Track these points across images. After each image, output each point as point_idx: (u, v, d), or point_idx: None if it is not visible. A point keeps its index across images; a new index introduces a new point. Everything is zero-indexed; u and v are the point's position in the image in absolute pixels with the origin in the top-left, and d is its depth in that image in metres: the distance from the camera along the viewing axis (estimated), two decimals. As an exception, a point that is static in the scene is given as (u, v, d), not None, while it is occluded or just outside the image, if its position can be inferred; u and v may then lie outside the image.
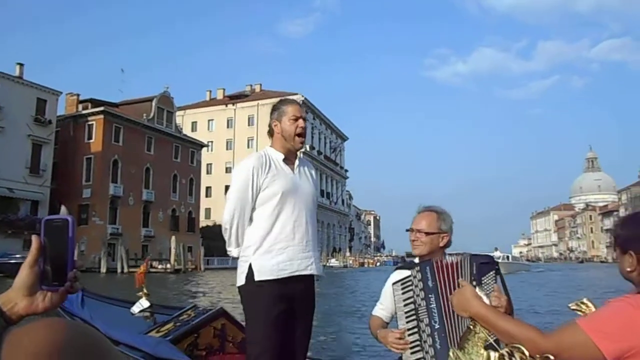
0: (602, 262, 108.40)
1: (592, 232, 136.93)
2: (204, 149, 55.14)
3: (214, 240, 42.29)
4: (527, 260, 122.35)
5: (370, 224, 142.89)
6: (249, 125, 71.46)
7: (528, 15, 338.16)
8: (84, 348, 0.65)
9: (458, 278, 1.94)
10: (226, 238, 2.63)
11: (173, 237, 38.24)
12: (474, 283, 1.88)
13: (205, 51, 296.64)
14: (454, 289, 1.88)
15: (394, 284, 2.21)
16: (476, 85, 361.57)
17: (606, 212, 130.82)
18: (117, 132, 41.72)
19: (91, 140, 40.68)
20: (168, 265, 31.20)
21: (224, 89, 77.82)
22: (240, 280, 2.51)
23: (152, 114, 45.17)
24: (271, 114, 2.70)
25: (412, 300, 2.09)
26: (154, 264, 38.64)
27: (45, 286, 0.87)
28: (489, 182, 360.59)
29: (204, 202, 55.36)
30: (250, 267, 2.49)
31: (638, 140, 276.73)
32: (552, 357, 1.39)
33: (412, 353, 2.04)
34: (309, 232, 2.60)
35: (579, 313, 1.46)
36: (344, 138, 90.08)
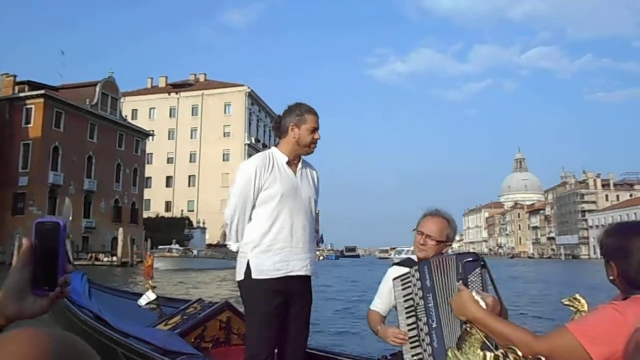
0: (529, 257, 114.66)
1: (519, 229, 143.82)
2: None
3: (156, 232, 41.28)
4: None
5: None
6: (192, 115, 69.90)
7: (464, 19, 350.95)
8: (67, 359, 0.63)
9: (446, 277, 2.03)
10: (227, 232, 2.75)
11: (120, 229, 36.93)
12: (461, 282, 1.97)
13: (145, 37, 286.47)
14: (445, 287, 2.02)
15: (394, 279, 2.29)
16: (414, 84, 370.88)
17: (533, 211, 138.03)
18: (58, 118, 39.56)
19: (29, 125, 38.38)
20: (114, 258, 30.28)
21: (166, 77, 75.87)
22: (239, 275, 2.65)
23: (95, 100, 43.15)
24: (288, 114, 2.75)
25: (411, 297, 2.16)
26: (100, 256, 37.34)
27: (35, 290, 0.84)
28: (425, 178, 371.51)
29: (145, 193, 53.66)
30: (248, 264, 2.61)
31: (561, 143, 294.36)
32: (543, 359, 1.51)
33: (411, 348, 2.12)
34: (305, 235, 2.71)
35: (571, 308, 1.60)
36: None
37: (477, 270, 2.02)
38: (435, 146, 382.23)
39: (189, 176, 68.28)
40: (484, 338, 1.75)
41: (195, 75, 76.52)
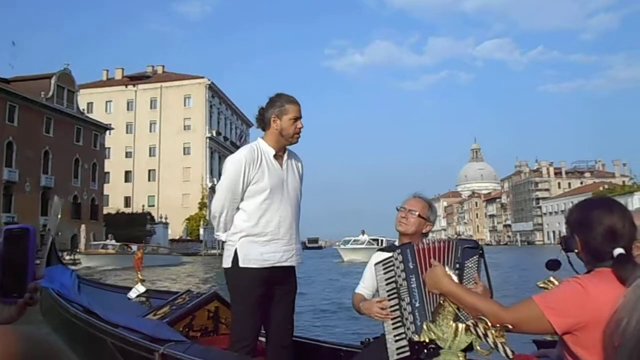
0: (486, 244, 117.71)
1: (477, 217, 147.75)
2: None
3: (116, 229, 40.32)
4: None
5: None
6: (151, 108, 68.37)
7: (420, 12, 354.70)
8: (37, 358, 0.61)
9: (443, 261, 2.08)
10: (214, 224, 2.86)
11: (83, 226, 35.81)
12: (457, 265, 2.06)
13: (98, 28, 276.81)
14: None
15: (376, 264, 2.35)
16: (373, 76, 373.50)
17: (490, 199, 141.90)
18: (12, 111, 37.70)
19: (-21, 120, 36.58)
20: (77, 257, 29.27)
21: (122, 69, 73.64)
22: (227, 263, 2.75)
23: (51, 93, 41.43)
24: (270, 106, 2.78)
25: (393, 280, 2.23)
26: (63, 254, 35.37)
27: (3, 298, 0.82)
28: (384, 169, 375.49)
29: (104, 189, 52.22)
30: (235, 252, 2.71)
31: (514, 133, 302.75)
32: (510, 327, 1.62)
33: (394, 328, 2.18)
34: (292, 227, 2.81)
35: (547, 288, 1.67)
36: (249, 124, 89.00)
37: (475, 257, 2.12)
38: (394, 138, 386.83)
39: (149, 170, 66.94)
40: (456, 310, 1.87)
41: (153, 67, 74.74)
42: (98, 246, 32.70)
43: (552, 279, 1.72)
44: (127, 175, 66.55)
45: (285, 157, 2.85)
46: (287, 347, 2.85)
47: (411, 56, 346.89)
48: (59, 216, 6.20)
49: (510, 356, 1.67)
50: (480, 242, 2.41)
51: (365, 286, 2.61)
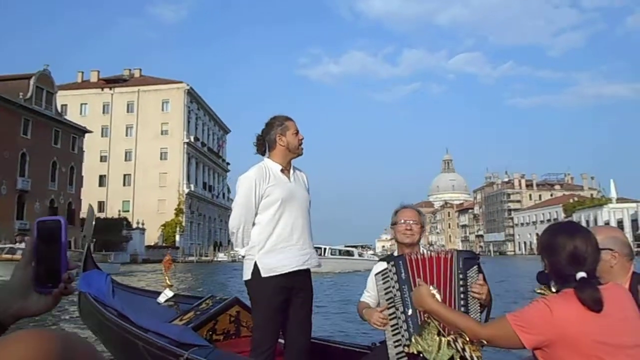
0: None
1: (449, 227, 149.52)
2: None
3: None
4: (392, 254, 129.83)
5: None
6: (128, 112, 67.60)
7: (395, 24, 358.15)
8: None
9: (448, 273, 2.27)
10: (233, 240, 3.07)
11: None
12: (461, 276, 2.26)
13: (73, 29, 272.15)
14: (436, 280, 2.26)
15: (376, 274, 2.54)
16: (347, 86, 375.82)
17: (462, 210, 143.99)
18: (-13, 112, 36.92)
19: (-46, 120, 35.57)
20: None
21: (98, 71, 72.76)
22: (247, 275, 2.96)
23: (29, 94, 40.64)
24: (271, 128, 3.03)
25: (390, 289, 2.39)
26: None
27: (39, 288, 0.86)
28: (359, 179, 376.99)
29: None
30: (255, 265, 2.93)
31: (484, 145, 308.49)
32: (485, 342, 1.83)
33: (393, 335, 2.33)
34: (305, 233, 3.01)
35: (544, 295, 1.77)
36: (226, 130, 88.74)
37: (475, 267, 2.30)
38: (368, 148, 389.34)
39: (124, 175, 66.03)
40: (438, 327, 2.07)
41: (130, 70, 74.02)
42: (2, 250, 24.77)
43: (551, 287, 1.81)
44: (102, 180, 65.48)
45: (292, 171, 3.09)
46: (305, 350, 3.02)
47: (386, 67, 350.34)
48: (93, 223, 6.31)
49: None
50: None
51: (370, 295, 2.77)
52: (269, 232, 2.92)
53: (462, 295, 2.26)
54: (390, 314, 2.37)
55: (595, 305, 1.60)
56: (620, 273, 2.06)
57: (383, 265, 2.56)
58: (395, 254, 2.67)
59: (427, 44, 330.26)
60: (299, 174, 3.16)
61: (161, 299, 5.18)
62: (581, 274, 1.66)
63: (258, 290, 2.91)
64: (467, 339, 1.91)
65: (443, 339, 2.05)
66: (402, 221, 2.72)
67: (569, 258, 1.70)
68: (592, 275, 1.69)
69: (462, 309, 2.22)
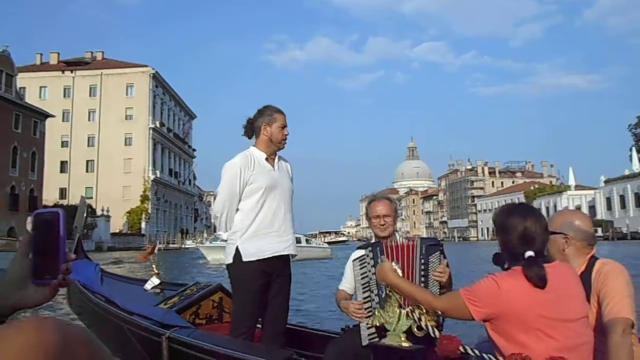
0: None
1: (414, 214, 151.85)
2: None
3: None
4: (359, 239, 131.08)
5: (210, 205, 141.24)
6: (90, 96, 65.58)
7: (361, 11, 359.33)
8: (72, 348, 0.64)
9: (411, 257, 2.44)
10: (217, 224, 3.22)
11: (29, 219, 33.85)
12: (422, 260, 2.46)
13: (30, 9, 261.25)
14: (407, 266, 2.41)
15: (354, 260, 2.71)
16: (313, 73, 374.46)
17: (426, 197, 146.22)
18: (-57, 95, 35.42)
19: None
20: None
21: (58, 54, 69.97)
22: (229, 259, 3.10)
23: (-13, 76, 39.14)
24: (259, 116, 3.14)
25: (366, 274, 2.56)
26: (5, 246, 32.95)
27: (37, 280, 0.86)
28: (323, 166, 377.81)
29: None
30: (237, 249, 3.06)
31: (448, 133, 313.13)
32: (440, 313, 2.00)
33: (366, 317, 2.51)
34: (286, 220, 3.13)
35: None
36: (192, 116, 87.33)
37: (437, 252, 2.50)
38: (333, 135, 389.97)
39: (87, 161, 64.29)
40: (399, 300, 2.20)
41: (91, 53, 71.58)
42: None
43: None
44: (63, 166, 63.54)
45: (276, 159, 3.19)
46: (281, 333, 3.16)
47: (351, 55, 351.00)
48: (85, 215, 6.28)
49: (438, 336, 2.03)
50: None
51: (347, 282, 2.89)
52: (252, 218, 3.02)
53: (422, 279, 2.44)
54: (364, 297, 2.54)
55: (539, 281, 1.72)
56: (575, 256, 2.17)
57: (360, 252, 2.69)
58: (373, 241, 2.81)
59: (392, 33, 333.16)
60: (283, 163, 3.26)
61: (148, 286, 5.25)
62: (529, 253, 1.78)
63: (238, 273, 3.02)
64: (424, 310, 2.04)
65: (402, 310, 2.18)
66: (376, 216, 2.83)
67: (519, 238, 1.82)
68: (539, 254, 1.81)
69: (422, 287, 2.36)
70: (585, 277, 2.07)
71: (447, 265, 2.51)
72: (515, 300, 1.73)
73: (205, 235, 63.88)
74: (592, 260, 2.17)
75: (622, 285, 2.02)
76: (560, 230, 2.19)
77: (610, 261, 2.17)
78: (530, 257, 1.78)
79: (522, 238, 1.81)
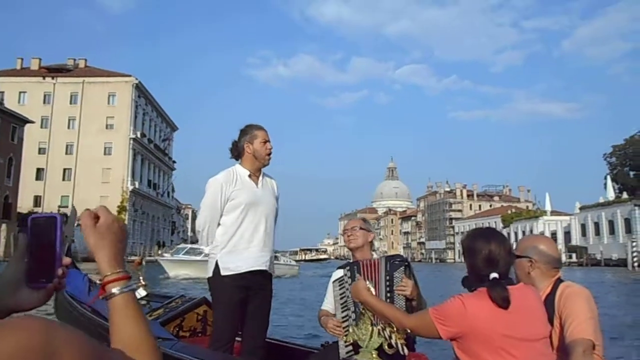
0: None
1: (392, 233, 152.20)
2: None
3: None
4: (336, 257, 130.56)
5: (188, 218, 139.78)
6: (71, 103, 64.55)
7: (345, 31, 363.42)
8: (60, 349, 0.63)
9: (377, 274, 2.57)
10: (199, 238, 3.32)
11: (4, 226, 33.22)
12: (387, 277, 2.55)
13: (12, 14, 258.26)
14: (375, 282, 2.52)
15: (333, 282, 2.82)
16: (295, 89, 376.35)
17: (405, 217, 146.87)
18: None
19: None
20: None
21: (40, 59, 68.86)
22: (209, 273, 3.20)
23: (-36, 80, 38.34)
24: (242, 136, 3.24)
25: (345, 294, 2.65)
26: None
27: (32, 283, 0.87)
28: (303, 183, 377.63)
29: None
30: (217, 264, 3.15)
31: (427, 155, 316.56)
32: (409, 331, 2.07)
33: (345, 335, 2.57)
34: (265, 237, 3.20)
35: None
36: (174, 128, 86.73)
37: (401, 268, 2.59)
38: (314, 151, 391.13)
39: (65, 169, 63.02)
40: (371, 318, 2.27)
41: (74, 60, 70.74)
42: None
43: None
44: (39, 173, 62.19)
45: (261, 177, 3.28)
46: (261, 347, 3.21)
47: (334, 73, 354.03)
48: (76, 224, 6.19)
49: (407, 354, 2.12)
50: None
51: (328, 302, 2.94)
52: (232, 233, 3.10)
53: (388, 294, 2.52)
54: (343, 316, 2.61)
55: (503, 302, 1.77)
56: (540, 279, 2.25)
57: (340, 272, 2.80)
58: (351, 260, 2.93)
59: (375, 54, 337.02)
60: (268, 180, 3.34)
61: None
62: (494, 275, 1.85)
63: (218, 287, 3.10)
64: (395, 327, 2.11)
65: (375, 328, 2.26)
66: (345, 230, 2.98)
67: (484, 260, 1.88)
68: (503, 276, 1.88)
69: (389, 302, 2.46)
70: (550, 300, 2.16)
71: (416, 282, 2.58)
72: (480, 320, 1.78)
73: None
74: (557, 282, 2.25)
75: (584, 308, 2.07)
76: (525, 253, 2.28)
77: (574, 284, 2.23)
78: (494, 278, 1.84)
79: (487, 260, 1.87)
